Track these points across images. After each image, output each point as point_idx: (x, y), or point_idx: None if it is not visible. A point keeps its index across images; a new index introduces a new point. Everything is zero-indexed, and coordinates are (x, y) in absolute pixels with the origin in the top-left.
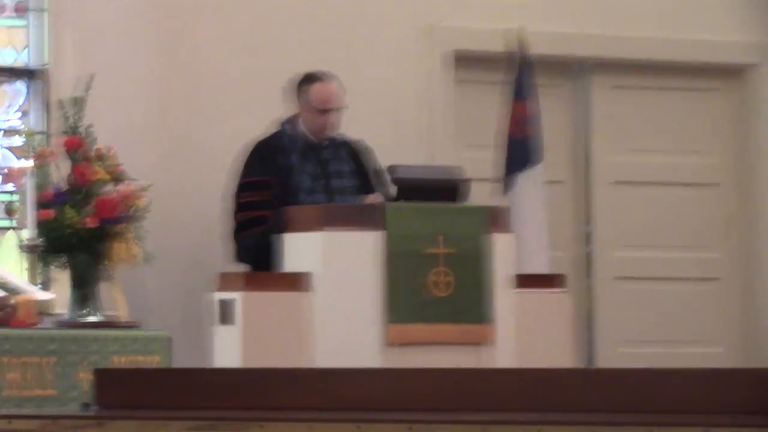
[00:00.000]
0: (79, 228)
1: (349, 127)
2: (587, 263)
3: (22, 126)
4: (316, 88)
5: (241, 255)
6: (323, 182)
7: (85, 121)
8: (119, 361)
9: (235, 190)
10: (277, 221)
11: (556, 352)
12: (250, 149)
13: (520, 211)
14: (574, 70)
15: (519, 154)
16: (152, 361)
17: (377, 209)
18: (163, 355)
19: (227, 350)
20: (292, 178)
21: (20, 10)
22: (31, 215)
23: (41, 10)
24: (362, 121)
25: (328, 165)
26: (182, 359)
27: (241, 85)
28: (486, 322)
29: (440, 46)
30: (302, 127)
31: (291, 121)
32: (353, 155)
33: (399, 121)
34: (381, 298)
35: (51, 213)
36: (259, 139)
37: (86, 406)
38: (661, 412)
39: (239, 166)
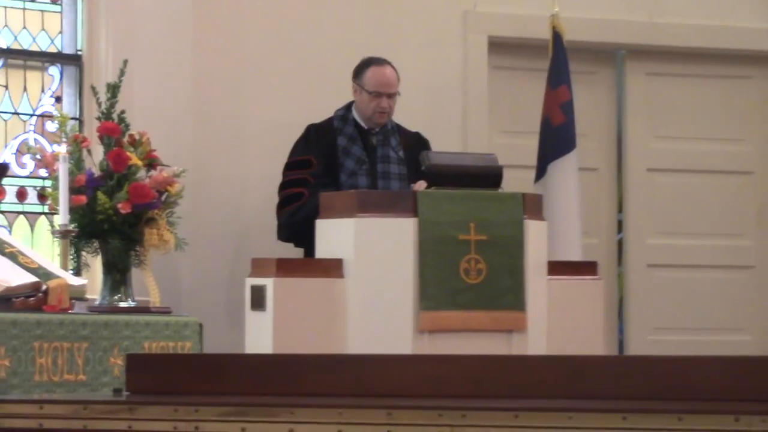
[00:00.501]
0: (112, 214)
1: None
2: (619, 251)
3: (56, 111)
4: (371, 72)
5: (280, 231)
6: (367, 166)
7: (119, 107)
8: (151, 347)
9: (282, 171)
10: (314, 199)
11: (587, 340)
12: (302, 133)
13: (554, 198)
14: (609, 56)
15: (553, 141)
16: (183, 346)
17: (410, 196)
18: (195, 341)
19: (259, 336)
20: (337, 159)
21: None
22: (63, 201)
23: None
24: (399, 107)
25: (375, 150)
26: (214, 345)
27: (278, 71)
28: (518, 309)
29: (475, 32)
30: (355, 113)
31: (344, 108)
32: (405, 145)
33: (433, 107)
34: (413, 284)
35: (84, 199)
36: (311, 123)
37: (118, 391)
38: (691, 400)
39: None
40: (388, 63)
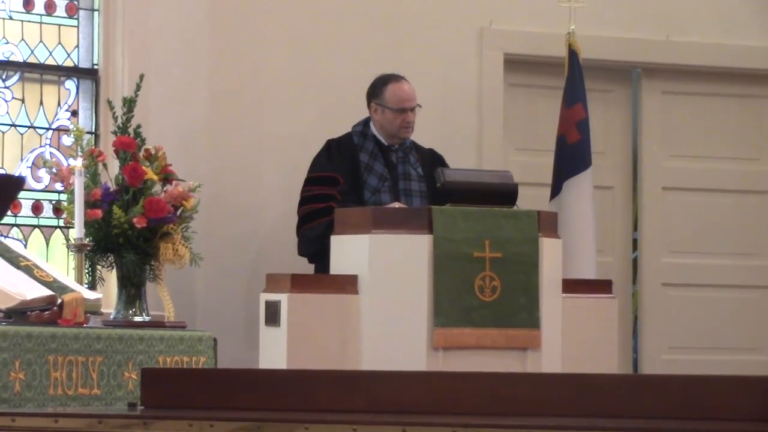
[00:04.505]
0: (127, 228)
1: None
2: (634, 269)
3: (72, 125)
4: (391, 89)
5: (302, 246)
6: (389, 183)
7: (135, 121)
8: (165, 362)
9: (303, 185)
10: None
11: (601, 358)
12: (322, 147)
13: (569, 216)
14: (625, 75)
15: (568, 159)
16: (198, 361)
17: (425, 212)
18: (209, 356)
19: (273, 352)
20: (359, 176)
21: (71, 10)
22: (79, 215)
23: (92, 9)
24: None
25: (396, 167)
26: (228, 360)
27: (294, 87)
28: (532, 326)
29: (491, 49)
30: (373, 130)
31: (362, 124)
32: (423, 162)
33: (448, 123)
34: (427, 301)
35: (99, 213)
36: (330, 138)
37: (132, 405)
38: (706, 420)
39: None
40: (403, 78)
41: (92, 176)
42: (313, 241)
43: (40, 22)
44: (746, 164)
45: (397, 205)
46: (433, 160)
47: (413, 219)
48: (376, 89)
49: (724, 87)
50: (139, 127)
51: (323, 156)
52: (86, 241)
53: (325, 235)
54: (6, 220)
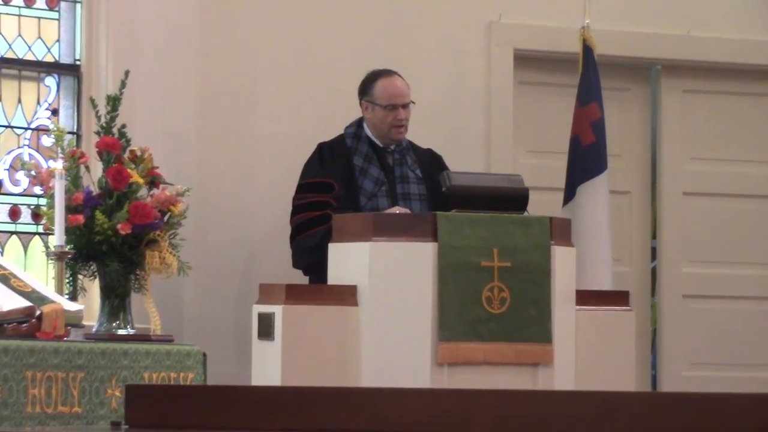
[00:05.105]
0: (111, 235)
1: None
2: (653, 280)
3: (52, 125)
4: (381, 84)
5: (297, 258)
6: (386, 187)
7: (119, 121)
8: (151, 378)
9: (295, 193)
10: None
11: (618, 374)
12: (313, 152)
13: (583, 223)
14: (643, 72)
15: (583, 162)
16: (186, 377)
17: (429, 218)
18: (198, 372)
19: (266, 367)
20: (354, 181)
21: (52, 1)
22: (59, 220)
23: (74, 1)
24: (415, 124)
25: (393, 170)
26: (218, 376)
27: (289, 84)
28: (544, 341)
29: (500, 45)
30: (367, 131)
31: (355, 125)
32: (421, 163)
33: (454, 124)
34: (431, 313)
35: (81, 218)
36: (322, 141)
37: (116, 425)
38: None
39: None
40: (395, 73)
41: (74, 179)
42: (309, 252)
43: (19, 15)
44: None
45: (398, 210)
46: (431, 160)
47: (417, 225)
48: (367, 85)
49: (749, 85)
50: (123, 127)
51: (315, 161)
52: (67, 248)
53: (322, 245)
54: None
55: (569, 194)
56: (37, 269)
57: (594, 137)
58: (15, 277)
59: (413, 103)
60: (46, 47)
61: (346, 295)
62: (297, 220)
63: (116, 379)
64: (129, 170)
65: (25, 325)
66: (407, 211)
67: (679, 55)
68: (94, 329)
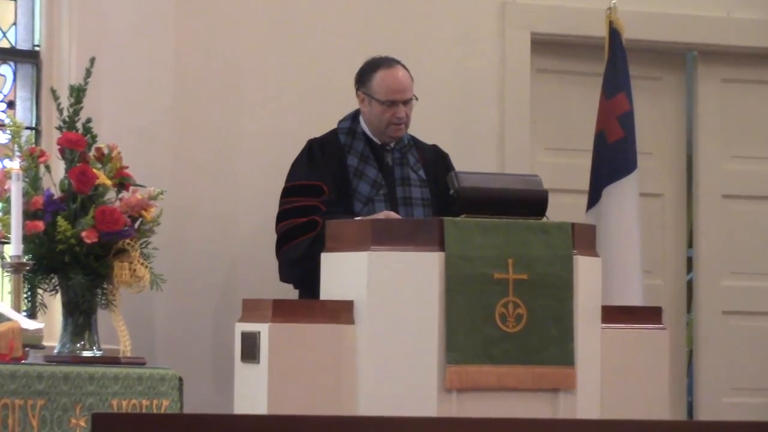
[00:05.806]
0: (74, 244)
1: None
2: (689, 294)
3: (7, 119)
4: (380, 76)
5: (284, 271)
6: (385, 191)
7: (84, 115)
8: (120, 406)
9: (280, 197)
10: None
11: (649, 401)
12: (302, 150)
13: (609, 230)
14: (677, 59)
15: (609, 160)
16: (160, 405)
17: (435, 225)
18: (173, 399)
19: (250, 393)
20: (348, 183)
21: None
22: (16, 227)
23: None
24: (422, 118)
25: (392, 171)
26: (196, 403)
27: (275, 75)
28: (565, 363)
29: (515, 28)
30: (363, 126)
31: (349, 119)
32: (424, 162)
33: (464, 118)
34: (438, 332)
35: (40, 225)
36: (312, 138)
37: None
38: None
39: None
40: (398, 62)
41: (32, 181)
42: (297, 264)
43: None
44: None
45: (384, 215)
46: (436, 159)
47: (421, 233)
48: (364, 75)
49: None
50: (89, 121)
51: (303, 160)
52: (25, 259)
53: (310, 255)
54: None
55: (594, 197)
56: None
57: (622, 132)
58: None
59: (416, 98)
60: (1, 31)
61: (341, 311)
62: (281, 228)
63: (81, 406)
64: (95, 170)
65: None
66: (398, 217)
67: (717, 40)
68: (55, 351)
